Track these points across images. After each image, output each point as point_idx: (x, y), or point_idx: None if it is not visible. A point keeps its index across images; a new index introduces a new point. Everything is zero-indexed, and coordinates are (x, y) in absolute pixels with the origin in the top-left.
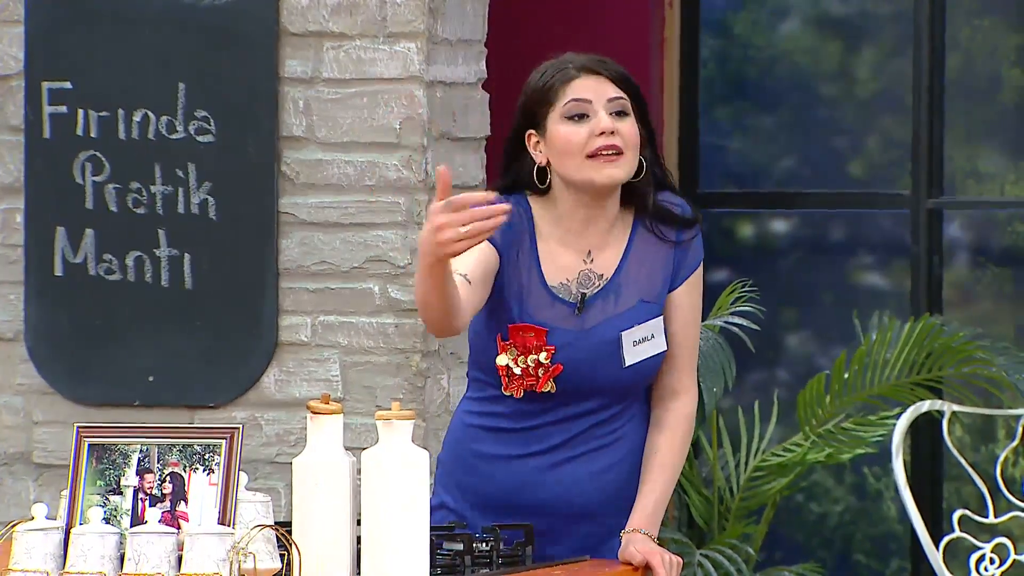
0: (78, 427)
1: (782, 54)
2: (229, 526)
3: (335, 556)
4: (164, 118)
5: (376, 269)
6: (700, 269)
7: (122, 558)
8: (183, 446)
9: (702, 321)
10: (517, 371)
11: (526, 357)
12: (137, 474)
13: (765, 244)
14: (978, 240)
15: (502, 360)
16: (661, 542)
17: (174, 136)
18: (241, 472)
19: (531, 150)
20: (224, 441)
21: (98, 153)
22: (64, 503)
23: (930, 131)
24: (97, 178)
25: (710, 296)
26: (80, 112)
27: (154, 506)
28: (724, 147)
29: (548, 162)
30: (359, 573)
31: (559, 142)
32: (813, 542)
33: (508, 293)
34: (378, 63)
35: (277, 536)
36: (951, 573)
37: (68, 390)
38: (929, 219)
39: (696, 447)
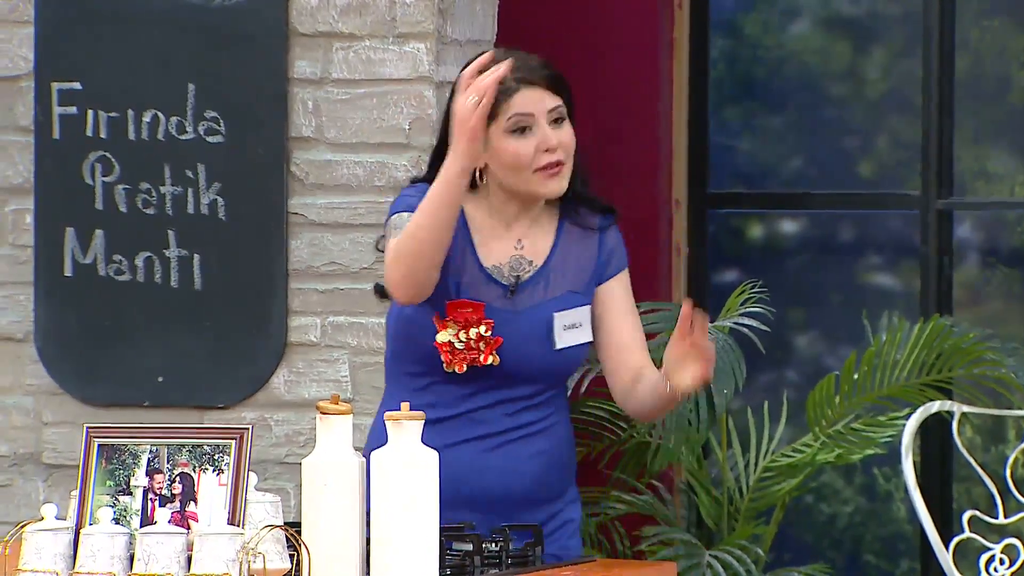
0: (88, 427)
1: (791, 54)
2: (239, 526)
3: (344, 556)
4: (174, 119)
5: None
6: (626, 273)
7: (132, 558)
8: (193, 446)
9: (711, 321)
10: (460, 345)
11: (467, 331)
12: (147, 474)
13: (774, 245)
14: (988, 241)
15: (443, 337)
16: (669, 543)
17: (183, 137)
18: (250, 472)
19: None
20: (233, 441)
21: (108, 154)
22: (74, 503)
23: (940, 132)
24: (107, 179)
25: (720, 296)
26: (90, 113)
27: (164, 506)
28: (733, 147)
29: (485, 165)
30: (368, 573)
31: (507, 157)
32: (823, 543)
33: (444, 273)
34: (387, 64)
35: (287, 536)
36: (961, 574)
37: (77, 390)
38: (939, 220)
39: (705, 448)
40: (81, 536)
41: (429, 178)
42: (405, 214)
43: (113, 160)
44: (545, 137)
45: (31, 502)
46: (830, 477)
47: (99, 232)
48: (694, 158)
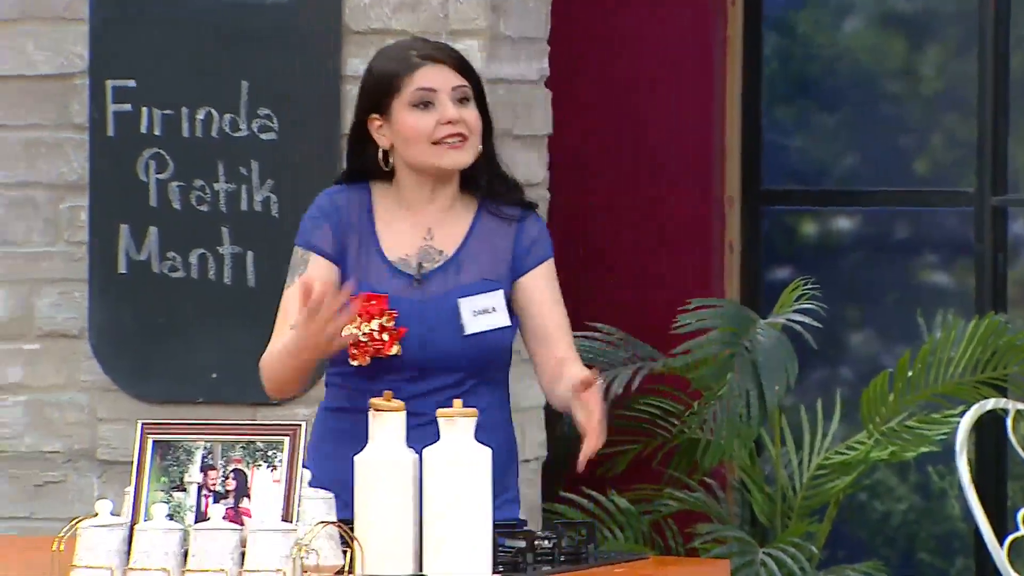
0: (142, 424)
1: (845, 52)
2: (292, 523)
3: (397, 553)
4: (227, 116)
5: None
6: (551, 264)
7: (185, 554)
8: (246, 443)
9: (763, 318)
10: (363, 338)
11: (369, 323)
12: (201, 470)
13: (828, 242)
14: None
15: (345, 331)
16: (722, 540)
17: (237, 134)
18: (304, 469)
19: (374, 134)
20: (287, 438)
21: (162, 151)
22: (128, 499)
23: (994, 129)
24: (161, 176)
25: (772, 293)
26: (144, 110)
27: (217, 502)
28: (787, 145)
29: (392, 146)
30: (421, 570)
31: (406, 130)
32: (876, 540)
33: (349, 274)
34: None
35: (340, 533)
36: (1016, 572)
37: (132, 387)
38: (993, 217)
39: (759, 445)
40: (135, 532)
41: (348, 175)
42: (300, 251)
43: (167, 157)
44: (445, 108)
45: (85, 498)
46: (884, 475)
47: (153, 229)
48: (747, 155)
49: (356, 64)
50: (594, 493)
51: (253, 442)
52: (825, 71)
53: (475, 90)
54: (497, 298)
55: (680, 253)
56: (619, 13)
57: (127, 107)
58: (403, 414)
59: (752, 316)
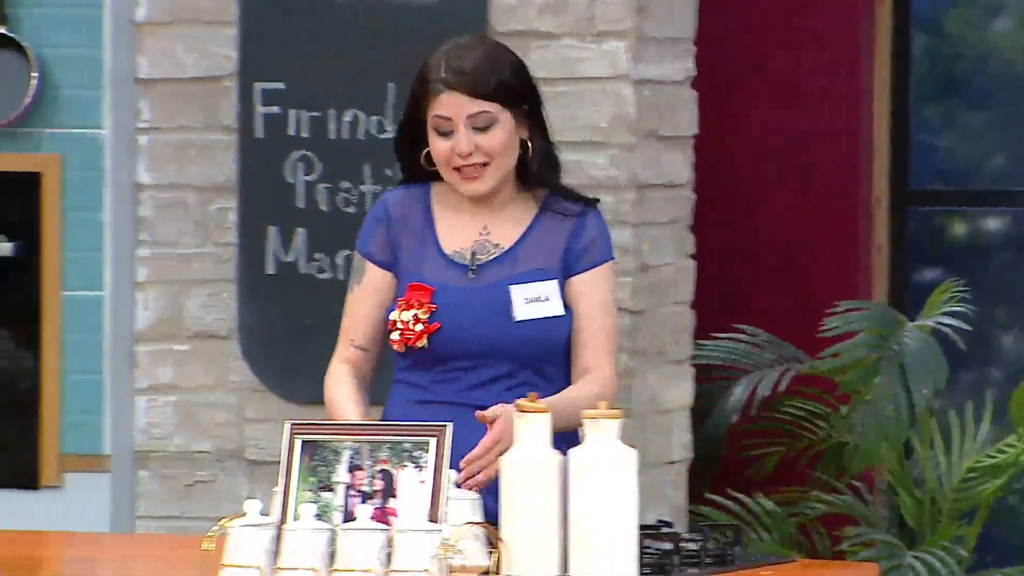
0: (290, 424)
1: (994, 51)
2: (438, 523)
3: (543, 554)
4: (374, 118)
5: None
6: (608, 267)
7: (332, 554)
8: (393, 443)
9: (911, 320)
10: (400, 326)
11: (408, 311)
12: (348, 471)
13: (977, 242)
14: None
15: (393, 315)
16: (870, 543)
17: (384, 136)
18: (450, 470)
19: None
20: (433, 439)
21: (309, 153)
22: (276, 499)
23: None
24: (308, 177)
25: (920, 295)
26: (292, 112)
27: (364, 503)
28: (935, 145)
29: None
30: (567, 571)
31: (433, 153)
32: None
33: (406, 269)
34: (586, 62)
35: (485, 533)
36: None
37: (279, 387)
38: None
39: (907, 447)
40: (284, 532)
41: (409, 176)
42: (357, 256)
43: (314, 159)
44: (458, 142)
45: (234, 498)
46: None
47: (300, 230)
48: (895, 155)
49: None
50: (740, 495)
51: (400, 443)
52: (974, 70)
53: (511, 104)
54: (551, 288)
55: (827, 255)
56: (767, 13)
57: (275, 109)
58: (548, 415)
59: (900, 318)
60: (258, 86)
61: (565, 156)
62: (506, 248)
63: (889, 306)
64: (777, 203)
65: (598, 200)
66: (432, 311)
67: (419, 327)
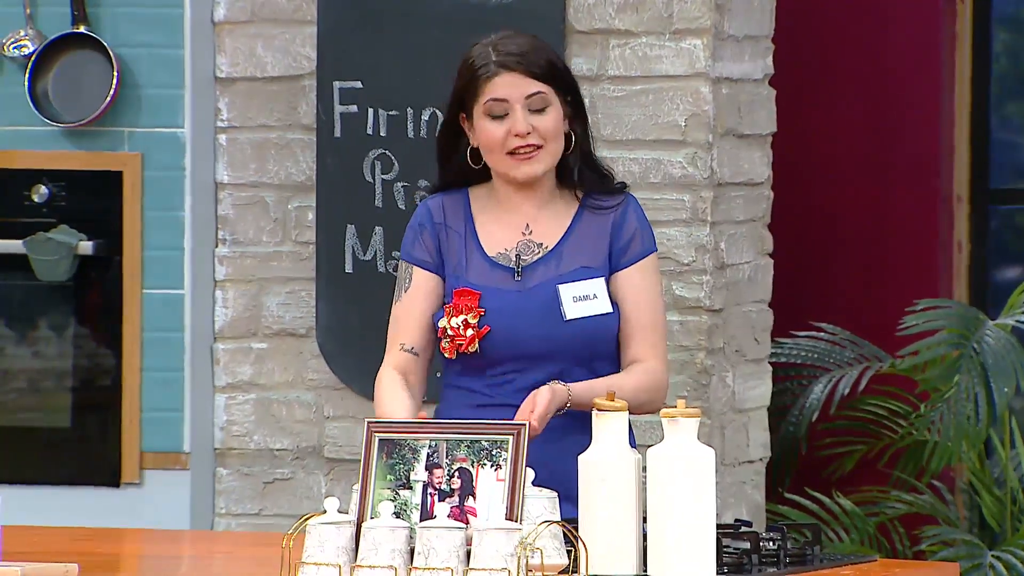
0: (369, 422)
1: None
2: (516, 522)
3: (621, 553)
4: None
5: (661, 266)
6: (652, 259)
7: (411, 552)
8: (471, 442)
9: (992, 319)
10: (450, 332)
11: (457, 317)
12: (426, 469)
13: None
14: None
15: (442, 323)
16: (950, 543)
17: None
18: (528, 468)
19: (467, 131)
20: (511, 437)
21: (387, 151)
22: (355, 497)
23: None
24: (386, 176)
25: (1001, 294)
26: (370, 111)
27: (443, 501)
28: (1016, 143)
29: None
30: (645, 570)
31: (482, 137)
32: None
33: (452, 273)
34: (664, 60)
35: (564, 532)
36: None
37: (358, 385)
38: None
39: (988, 447)
40: (363, 530)
41: (444, 183)
42: (403, 265)
43: (392, 158)
44: (516, 121)
45: (313, 495)
46: None
47: (378, 229)
48: (976, 153)
49: (579, 63)
50: (819, 495)
51: (478, 441)
52: None
53: (560, 90)
54: (598, 285)
55: (906, 253)
56: (846, 10)
57: (353, 108)
58: (625, 414)
59: (980, 317)
60: (336, 85)
61: (642, 155)
62: (550, 247)
63: (969, 304)
64: (856, 201)
65: (627, 184)
66: (481, 315)
67: (470, 332)
